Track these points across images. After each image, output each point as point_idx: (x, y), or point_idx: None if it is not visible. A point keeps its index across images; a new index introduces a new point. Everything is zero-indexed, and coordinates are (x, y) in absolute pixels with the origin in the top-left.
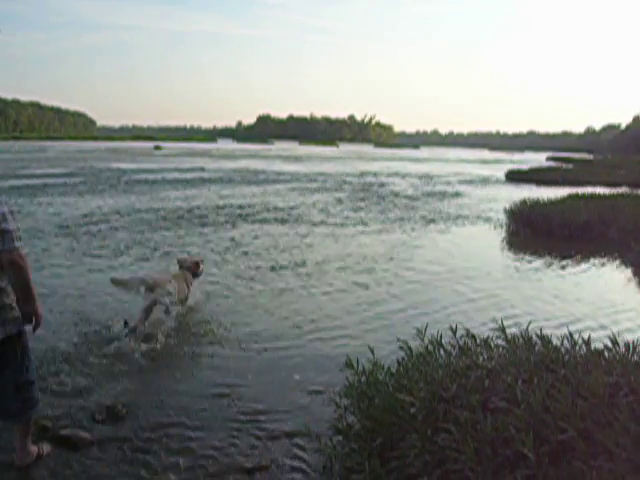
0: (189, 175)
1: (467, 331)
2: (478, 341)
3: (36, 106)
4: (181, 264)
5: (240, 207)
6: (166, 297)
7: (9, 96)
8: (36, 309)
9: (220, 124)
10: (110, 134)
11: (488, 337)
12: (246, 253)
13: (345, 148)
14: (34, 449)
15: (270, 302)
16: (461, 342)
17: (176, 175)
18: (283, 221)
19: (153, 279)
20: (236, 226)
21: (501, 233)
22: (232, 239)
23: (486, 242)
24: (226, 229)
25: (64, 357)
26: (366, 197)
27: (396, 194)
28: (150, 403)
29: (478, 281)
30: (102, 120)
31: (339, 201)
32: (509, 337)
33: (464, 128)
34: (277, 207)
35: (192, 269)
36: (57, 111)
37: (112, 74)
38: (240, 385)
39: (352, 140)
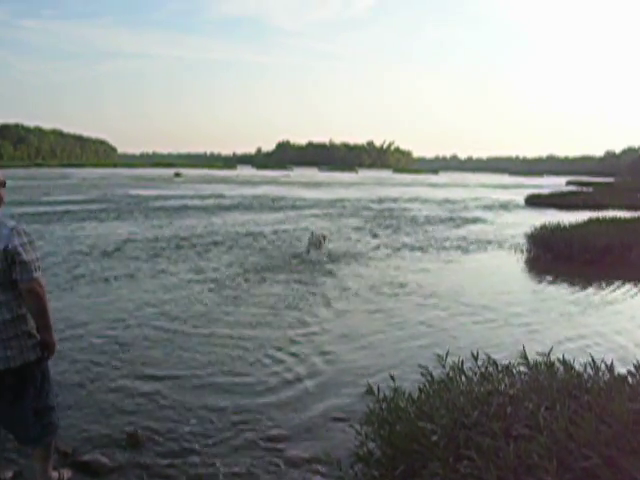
0: (209, 202)
1: (488, 357)
2: (500, 367)
3: (58, 133)
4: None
5: (255, 234)
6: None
7: (31, 124)
8: (50, 338)
9: (240, 151)
10: (131, 161)
11: (510, 363)
12: (264, 279)
13: (364, 174)
14: (55, 474)
15: (289, 327)
16: (482, 368)
17: (196, 202)
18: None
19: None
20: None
21: (522, 258)
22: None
23: (507, 267)
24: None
25: (84, 383)
26: (385, 223)
27: (415, 220)
28: (170, 429)
29: (499, 306)
30: (123, 147)
31: (358, 227)
32: (531, 363)
33: (483, 153)
34: (296, 236)
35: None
36: (78, 138)
37: (130, 102)
38: (259, 411)
39: (371, 166)
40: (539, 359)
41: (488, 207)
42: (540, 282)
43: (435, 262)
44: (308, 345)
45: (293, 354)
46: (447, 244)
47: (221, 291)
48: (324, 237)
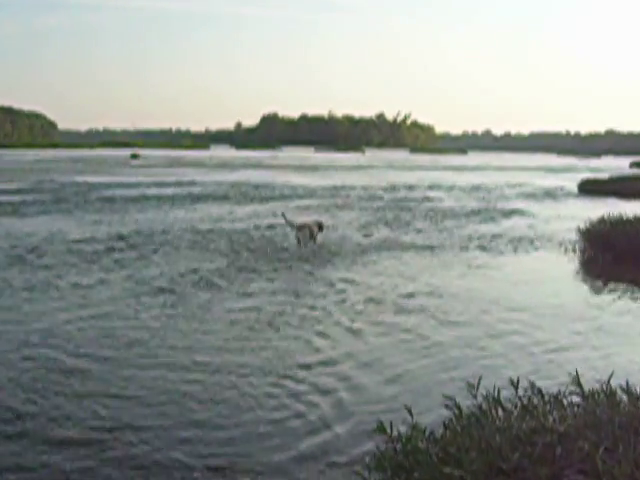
0: (174, 191)
1: (532, 385)
2: (546, 397)
3: None
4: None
5: (235, 232)
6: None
7: None
8: None
9: (214, 126)
10: (75, 140)
11: (559, 392)
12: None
13: (373, 155)
14: None
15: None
16: (524, 399)
17: (158, 191)
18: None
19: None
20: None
21: (574, 260)
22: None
23: (556, 271)
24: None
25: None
26: (400, 217)
27: (439, 212)
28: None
29: (546, 321)
30: (65, 123)
31: (366, 222)
32: (586, 392)
33: (524, 127)
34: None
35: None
36: (8, 111)
37: (75, 66)
38: (241, 454)
39: (382, 145)
40: (596, 387)
41: (531, 196)
42: (597, 291)
43: (463, 266)
44: (296, 374)
45: (279, 385)
46: (478, 243)
47: (178, 305)
48: (320, 226)
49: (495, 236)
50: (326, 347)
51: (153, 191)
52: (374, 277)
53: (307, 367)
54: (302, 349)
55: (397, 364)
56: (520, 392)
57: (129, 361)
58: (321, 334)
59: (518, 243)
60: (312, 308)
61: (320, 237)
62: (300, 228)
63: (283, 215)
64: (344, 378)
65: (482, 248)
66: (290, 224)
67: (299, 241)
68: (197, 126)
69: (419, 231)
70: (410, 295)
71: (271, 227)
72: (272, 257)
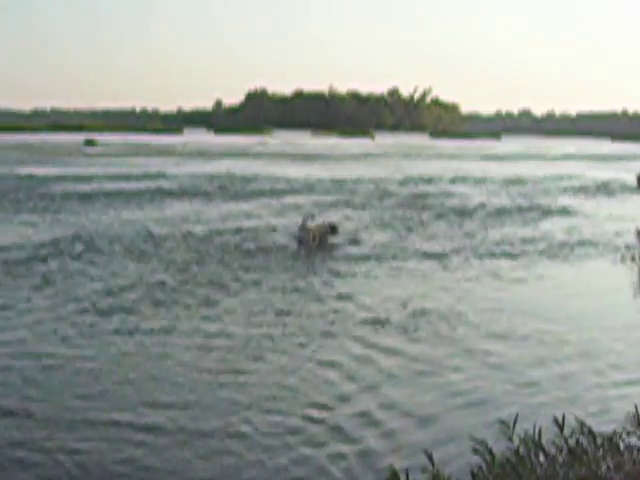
0: (138, 185)
1: (581, 424)
2: (599, 440)
3: None
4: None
5: (215, 233)
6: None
7: None
8: None
9: (188, 105)
10: (16, 121)
11: (614, 433)
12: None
13: (384, 140)
14: None
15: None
16: (572, 441)
17: (117, 185)
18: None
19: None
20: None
21: (633, 270)
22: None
23: (611, 285)
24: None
25: None
26: (418, 217)
27: (464, 212)
28: None
29: (599, 345)
30: (3, 101)
31: (377, 223)
32: None
33: (571, 107)
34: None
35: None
36: None
37: (17, 35)
38: None
39: (396, 127)
40: None
41: (579, 191)
42: None
43: (497, 278)
44: (305, 415)
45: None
46: (510, 249)
47: (119, 332)
48: (333, 228)
49: (533, 240)
50: (332, 380)
51: (110, 186)
52: (379, 292)
53: (315, 407)
54: (298, 385)
55: (415, 399)
56: (566, 433)
57: (54, 418)
58: (323, 364)
59: (562, 249)
60: (303, 331)
61: (334, 239)
62: (303, 228)
63: (309, 218)
64: (360, 416)
65: (515, 256)
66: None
67: (300, 243)
68: (167, 105)
69: (436, 235)
70: (423, 313)
71: (256, 230)
72: (250, 266)
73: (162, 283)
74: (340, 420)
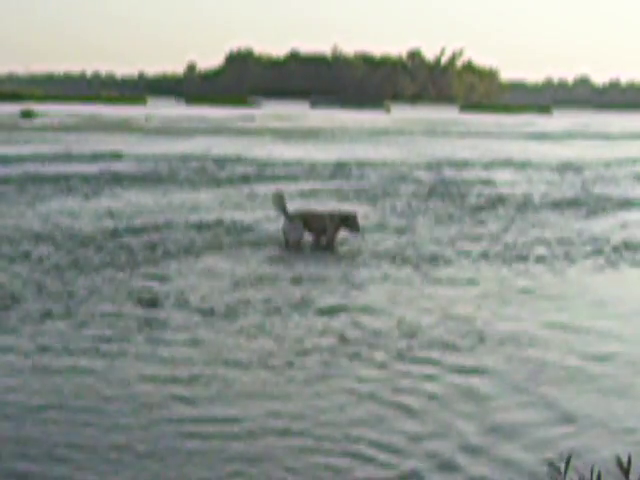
0: (88, 168)
1: None
2: None
3: None
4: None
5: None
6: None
7: None
8: None
9: (153, 69)
10: None
11: None
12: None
13: (403, 114)
14: None
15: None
16: None
17: (66, 168)
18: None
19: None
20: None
21: None
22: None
23: None
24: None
25: None
26: (446, 210)
27: (505, 203)
28: None
29: None
30: None
31: (393, 217)
32: None
33: None
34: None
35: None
36: None
37: None
38: None
39: (417, 99)
40: None
41: None
42: None
43: (548, 282)
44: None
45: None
46: (564, 250)
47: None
48: (347, 219)
49: (593, 240)
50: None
51: (62, 168)
52: (420, 304)
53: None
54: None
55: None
56: (633, 478)
57: None
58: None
59: (630, 251)
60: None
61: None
62: (292, 219)
63: (277, 197)
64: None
65: (586, 257)
66: (282, 211)
67: (287, 241)
68: (126, 69)
69: (487, 233)
70: (490, 336)
71: (236, 224)
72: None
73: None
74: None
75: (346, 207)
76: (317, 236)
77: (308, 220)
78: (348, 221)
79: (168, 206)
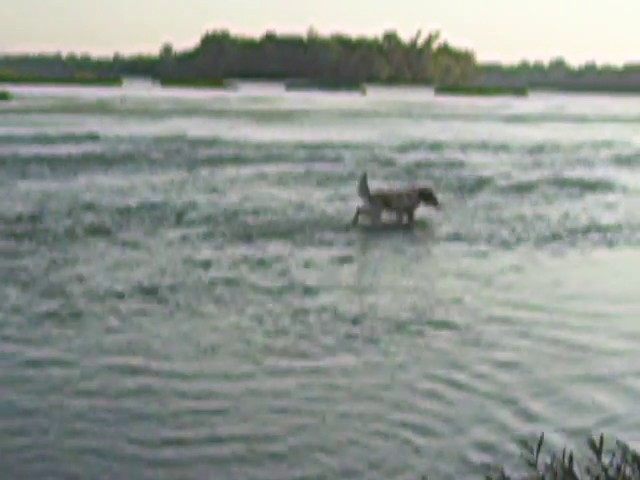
0: (67, 149)
1: (624, 448)
2: None
3: None
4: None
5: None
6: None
7: None
8: None
9: (128, 51)
10: None
11: None
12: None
13: (379, 96)
14: None
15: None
16: (612, 470)
17: (40, 149)
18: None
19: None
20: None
21: None
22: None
23: None
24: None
25: None
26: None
27: (484, 184)
28: None
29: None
30: None
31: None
32: None
33: (617, 56)
34: (242, 217)
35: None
36: None
37: None
38: None
39: (393, 81)
40: None
41: (627, 161)
42: None
43: (522, 270)
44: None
45: None
46: (547, 231)
47: None
48: (425, 194)
49: (577, 220)
50: None
51: (37, 149)
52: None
53: None
54: None
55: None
56: (605, 459)
57: None
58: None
59: (614, 232)
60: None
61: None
62: (373, 199)
63: (362, 179)
64: None
65: (560, 237)
66: (365, 191)
67: (356, 220)
68: (101, 50)
69: (470, 214)
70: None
71: (212, 205)
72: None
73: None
74: None
75: (316, 192)
76: (398, 214)
77: (388, 200)
78: (426, 196)
79: (131, 188)
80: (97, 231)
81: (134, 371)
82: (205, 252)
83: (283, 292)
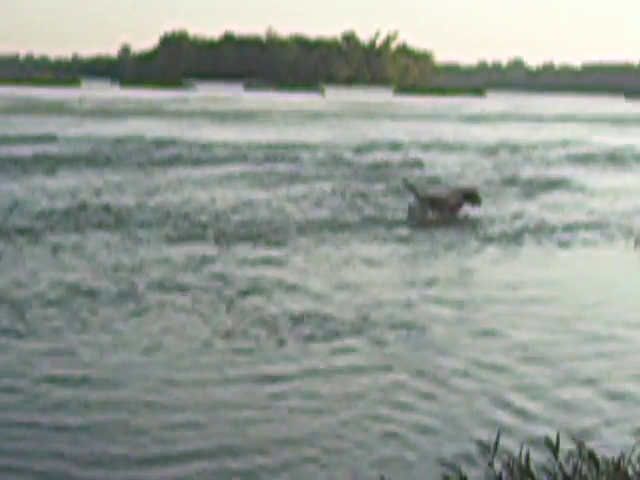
0: (24, 150)
1: (579, 445)
2: (602, 466)
3: None
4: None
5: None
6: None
7: None
8: None
9: (87, 52)
10: None
11: (622, 457)
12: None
13: (338, 96)
14: None
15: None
16: (568, 467)
17: None
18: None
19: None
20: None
21: None
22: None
23: (622, 278)
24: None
25: None
26: (379, 191)
27: (437, 184)
28: None
29: (609, 358)
30: None
31: (326, 198)
32: None
33: (574, 56)
34: (198, 218)
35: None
36: None
37: None
38: None
39: (352, 81)
40: None
41: (584, 160)
42: None
43: (475, 269)
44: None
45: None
46: (501, 231)
47: None
48: (470, 194)
49: (521, 221)
50: None
51: None
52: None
53: None
54: None
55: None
56: (561, 457)
57: None
58: None
59: (569, 232)
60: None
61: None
62: (422, 200)
63: (406, 181)
64: None
65: (516, 238)
66: (414, 192)
67: (411, 214)
68: (60, 51)
69: (393, 211)
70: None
71: (164, 207)
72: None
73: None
74: None
75: (274, 192)
76: (444, 213)
77: (434, 201)
78: (470, 196)
79: (77, 190)
80: (25, 233)
81: (64, 381)
82: (139, 254)
83: (219, 291)
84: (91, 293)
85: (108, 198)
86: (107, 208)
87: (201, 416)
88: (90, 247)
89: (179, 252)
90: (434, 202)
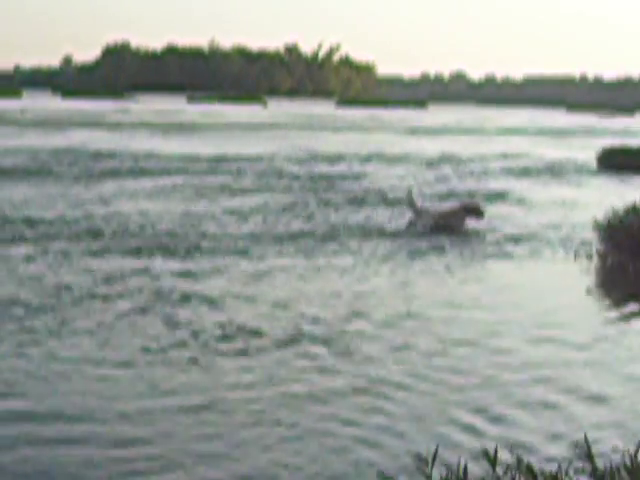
0: None
1: (517, 459)
2: (540, 476)
3: None
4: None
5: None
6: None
7: None
8: None
9: (28, 62)
10: None
11: (559, 469)
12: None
13: (280, 108)
14: None
15: None
16: (505, 479)
17: None
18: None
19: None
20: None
21: (590, 270)
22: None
23: (561, 288)
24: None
25: None
26: (320, 204)
27: (380, 197)
28: None
29: (543, 359)
30: None
31: (267, 214)
32: (600, 469)
33: (516, 69)
34: (141, 230)
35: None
36: None
37: None
38: None
39: (294, 93)
40: (616, 460)
41: (525, 172)
42: (626, 317)
43: (416, 285)
44: None
45: None
46: (444, 244)
47: None
48: (473, 209)
49: (473, 233)
50: None
51: None
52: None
53: None
54: None
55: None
56: (499, 470)
57: None
58: None
59: (509, 244)
60: None
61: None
62: (421, 213)
63: (408, 194)
64: None
65: (437, 252)
66: (412, 206)
67: (410, 228)
68: (0, 61)
69: (366, 227)
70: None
71: (106, 218)
72: None
73: None
74: None
75: (216, 205)
76: (444, 228)
77: (435, 215)
78: (472, 210)
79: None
80: None
81: None
82: (60, 267)
83: (144, 304)
84: (10, 304)
85: (32, 211)
86: (29, 221)
87: (129, 428)
88: (5, 260)
89: (100, 265)
90: (435, 218)
